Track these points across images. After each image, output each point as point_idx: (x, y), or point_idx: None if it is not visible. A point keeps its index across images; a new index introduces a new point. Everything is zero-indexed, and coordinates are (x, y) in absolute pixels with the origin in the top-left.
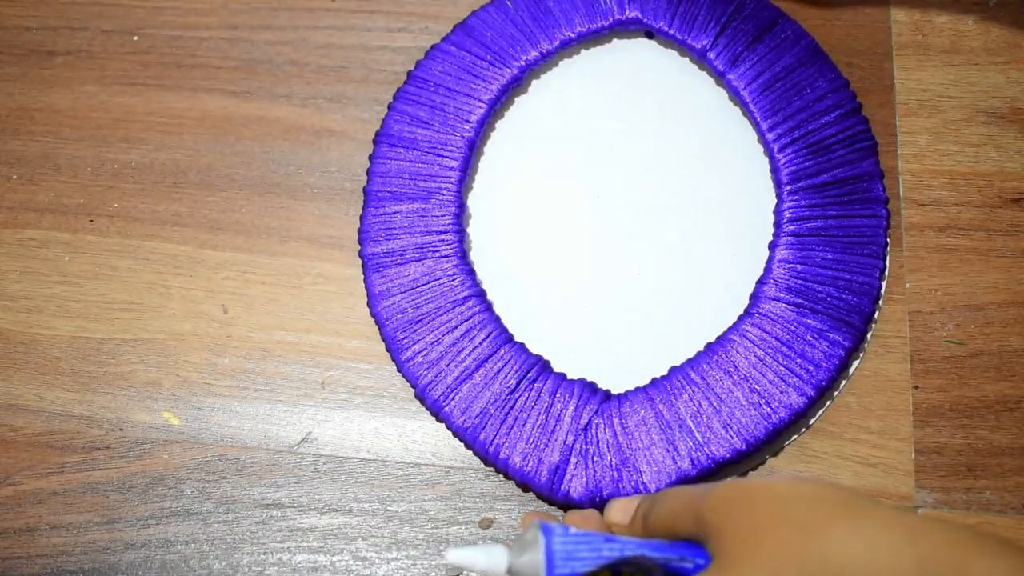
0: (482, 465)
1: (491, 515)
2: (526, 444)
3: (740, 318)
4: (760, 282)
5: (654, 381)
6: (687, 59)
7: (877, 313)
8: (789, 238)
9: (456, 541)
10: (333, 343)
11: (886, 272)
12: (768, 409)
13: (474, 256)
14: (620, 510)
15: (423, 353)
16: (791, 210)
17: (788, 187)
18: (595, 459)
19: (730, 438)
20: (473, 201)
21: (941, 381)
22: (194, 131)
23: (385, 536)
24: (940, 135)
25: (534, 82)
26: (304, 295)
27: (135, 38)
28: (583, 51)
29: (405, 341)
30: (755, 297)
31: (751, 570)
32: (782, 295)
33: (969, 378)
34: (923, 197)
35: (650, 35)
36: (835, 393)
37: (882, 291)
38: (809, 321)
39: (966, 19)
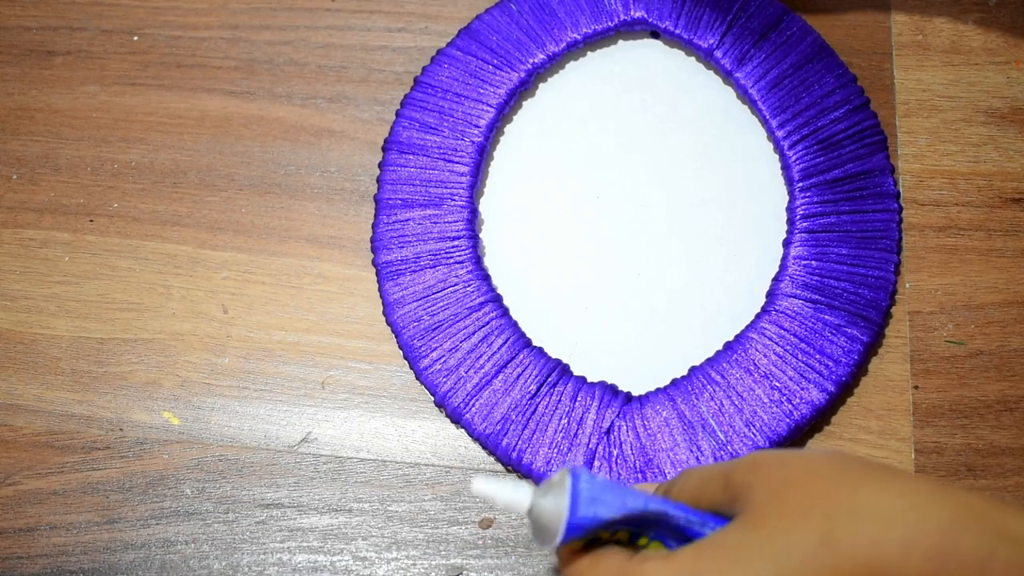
0: (482, 465)
1: (491, 515)
2: (549, 449)
3: (758, 316)
4: (776, 279)
5: (675, 381)
6: (693, 58)
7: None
8: (803, 235)
9: (456, 541)
10: (333, 343)
11: (901, 266)
12: (789, 406)
13: (488, 261)
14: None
15: (442, 360)
16: (804, 207)
17: (799, 184)
18: (619, 462)
19: (753, 436)
20: (484, 206)
21: (941, 381)
22: (194, 131)
23: (385, 536)
24: (940, 135)
25: (541, 85)
26: (304, 295)
27: (135, 38)
28: (589, 53)
29: (423, 349)
30: (772, 294)
31: (778, 517)
32: (799, 292)
33: (969, 378)
34: (923, 197)
35: (656, 35)
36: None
37: (897, 285)
38: (827, 317)
39: (966, 19)
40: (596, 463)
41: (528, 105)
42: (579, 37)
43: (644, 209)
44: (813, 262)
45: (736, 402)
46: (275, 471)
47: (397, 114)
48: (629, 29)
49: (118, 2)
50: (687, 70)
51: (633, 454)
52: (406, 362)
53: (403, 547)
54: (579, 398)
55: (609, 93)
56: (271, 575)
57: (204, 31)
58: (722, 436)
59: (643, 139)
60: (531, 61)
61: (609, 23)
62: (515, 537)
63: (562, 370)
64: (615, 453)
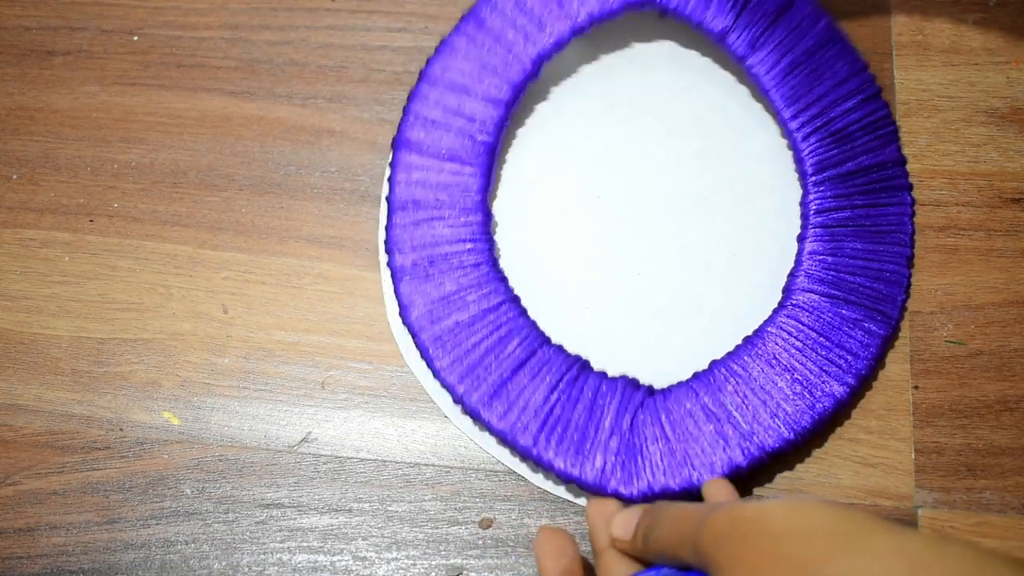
0: (482, 465)
1: (491, 515)
2: (570, 444)
3: (775, 311)
4: (792, 275)
5: (696, 375)
6: (697, 53)
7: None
8: (817, 230)
9: (456, 541)
10: (333, 343)
11: (914, 260)
12: (812, 399)
13: (503, 261)
14: (621, 525)
15: (460, 360)
16: (817, 201)
17: (813, 178)
18: (642, 455)
19: (778, 427)
20: (496, 207)
21: (941, 381)
22: (194, 131)
23: (385, 536)
24: (940, 135)
25: (551, 88)
26: (304, 295)
27: (135, 38)
28: (593, 52)
29: (440, 349)
30: (788, 290)
31: None
32: (815, 287)
33: (969, 378)
34: (923, 197)
35: (663, 15)
36: (873, 382)
37: (911, 279)
38: (844, 312)
39: (966, 19)
40: (620, 457)
41: (538, 107)
42: (585, 20)
43: (656, 205)
44: (828, 257)
45: (759, 395)
46: (275, 471)
47: (404, 110)
48: (637, 10)
49: (118, 2)
50: (691, 68)
51: (657, 447)
52: (423, 362)
53: (403, 547)
54: (600, 393)
55: (613, 95)
56: (271, 575)
57: (204, 31)
58: (746, 427)
59: (655, 135)
60: (537, 50)
61: (615, 4)
62: (515, 537)
63: (581, 366)
64: (639, 446)
